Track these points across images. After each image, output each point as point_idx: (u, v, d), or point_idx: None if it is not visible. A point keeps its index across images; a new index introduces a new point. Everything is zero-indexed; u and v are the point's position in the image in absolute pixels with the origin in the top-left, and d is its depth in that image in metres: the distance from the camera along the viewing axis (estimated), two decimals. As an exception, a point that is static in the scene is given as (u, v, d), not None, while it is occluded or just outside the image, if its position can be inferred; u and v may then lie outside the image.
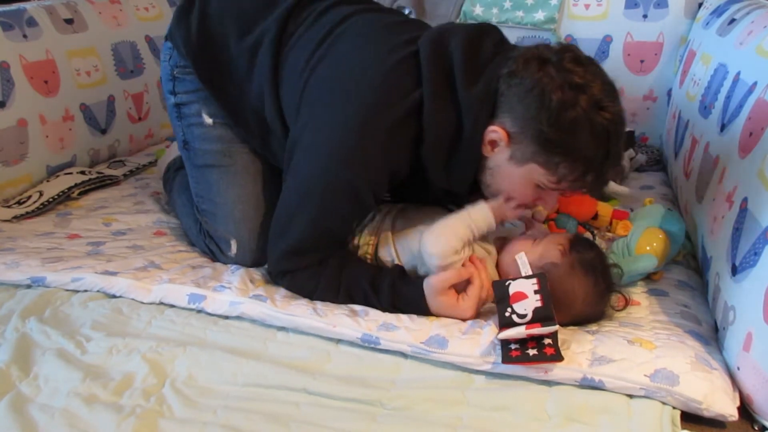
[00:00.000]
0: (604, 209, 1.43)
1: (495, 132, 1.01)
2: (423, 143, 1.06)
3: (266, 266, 1.25)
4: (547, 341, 0.95)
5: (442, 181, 1.12)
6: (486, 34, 1.09)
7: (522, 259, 1.06)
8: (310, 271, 1.14)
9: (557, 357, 0.92)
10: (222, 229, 1.29)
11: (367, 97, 1.05)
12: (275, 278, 1.19)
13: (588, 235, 1.38)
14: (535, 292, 0.98)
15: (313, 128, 1.10)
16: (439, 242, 1.06)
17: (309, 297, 1.14)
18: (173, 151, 1.66)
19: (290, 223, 1.13)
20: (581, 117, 0.94)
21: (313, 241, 1.13)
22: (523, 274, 1.03)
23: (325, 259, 1.14)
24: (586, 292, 1.04)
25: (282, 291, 1.16)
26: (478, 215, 1.08)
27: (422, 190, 1.21)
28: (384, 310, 1.09)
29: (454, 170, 1.09)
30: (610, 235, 1.38)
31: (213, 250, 1.31)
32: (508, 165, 1.03)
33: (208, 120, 1.30)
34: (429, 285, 1.07)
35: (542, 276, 1.00)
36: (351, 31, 1.14)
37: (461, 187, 1.13)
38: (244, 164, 1.30)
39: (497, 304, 1.00)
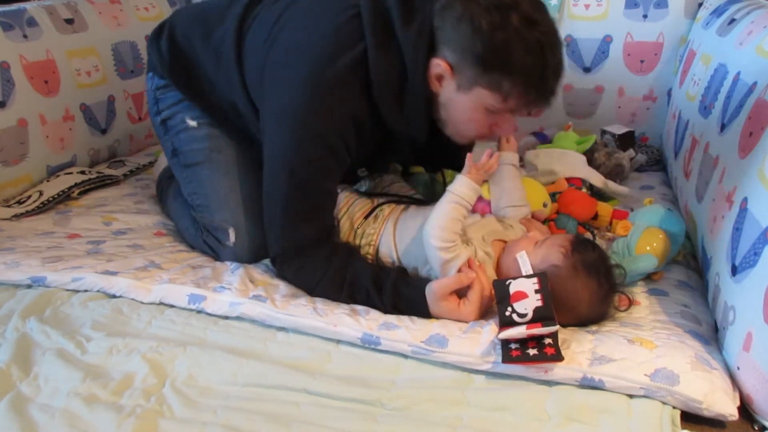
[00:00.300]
0: (604, 209, 1.43)
1: (438, 65, 1.08)
2: (373, 87, 1.11)
3: (267, 261, 1.27)
4: (548, 341, 0.95)
5: (402, 126, 1.16)
6: None
7: (523, 257, 1.07)
8: (315, 263, 1.16)
9: (557, 357, 0.92)
10: (218, 218, 1.31)
11: (316, 54, 1.12)
12: (281, 267, 1.21)
13: (588, 235, 1.38)
14: (536, 291, 0.98)
15: (274, 96, 1.16)
16: (438, 232, 1.08)
17: (311, 291, 1.16)
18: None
19: (276, 196, 1.16)
20: (513, 35, 1.00)
21: (302, 207, 1.16)
22: (524, 273, 1.03)
23: (327, 244, 1.18)
24: (590, 293, 1.04)
25: (282, 291, 1.16)
26: (460, 188, 1.11)
27: (394, 152, 1.29)
28: (385, 311, 1.10)
29: (408, 112, 1.14)
30: (610, 235, 1.38)
31: (212, 245, 1.32)
32: (457, 95, 1.09)
33: (192, 123, 1.38)
34: (431, 291, 1.08)
35: (543, 275, 1.00)
36: (301, 6, 1.22)
37: (420, 130, 1.17)
38: (232, 156, 1.35)
39: (497, 303, 1.00)
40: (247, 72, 1.24)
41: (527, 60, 1.01)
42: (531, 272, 1.03)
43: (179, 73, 1.35)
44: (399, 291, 1.11)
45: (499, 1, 1.01)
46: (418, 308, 1.08)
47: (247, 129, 1.32)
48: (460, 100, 1.09)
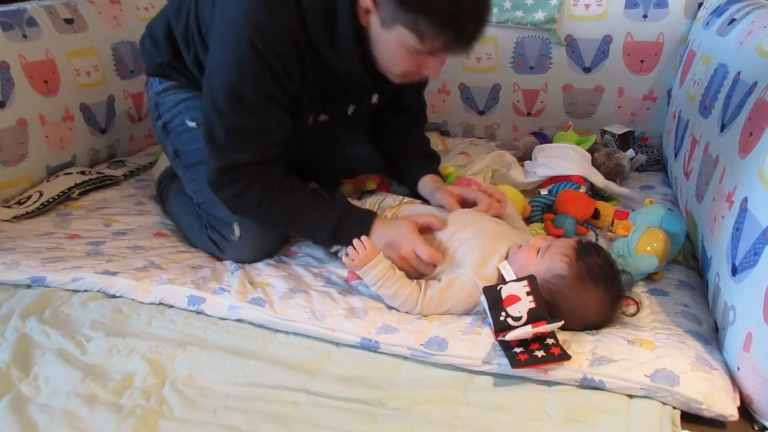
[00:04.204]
0: (607, 209, 1.43)
1: None
2: (306, 17, 1.12)
3: (267, 260, 1.29)
4: (551, 341, 0.95)
5: (335, 60, 1.17)
6: None
7: (505, 267, 1.08)
8: (256, 186, 1.20)
9: (565, 356, 0.93)
10: (223, 214, 1.31)
11: None
12: (220, 188, 1.23)
13: (590, 234, 1.38)
14: (528, 293, 0.98)
15: (218, 13, 1.19)
16: (404, 305, 1.10)
17: (250, 213, 1.24)
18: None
19: (215, 113, 1.17)
20: None
21: (242, 126, 1.17)
22: (507, 280, 1.04)
23: (269, 173, 1.22)
24: (597, 302, 1.03)
25: (279, 291, 1.16)
26: (368, 278, 1.11)
27: (345, 94, 1.30)
28: (329, 230, 1.20)
29: (340, 47, 1.15)
30: (610, 235, 1.38)
31: (216, 241, 1.32)
32: (382, 31, 1.09)
33: (192, 124, 1.39)
34: (405, 217, 1.20)
35: (532, 277, 1.00)
36: None
37: (352, 64, 1.17)
38: None
39: (490, 309, 1.00)
40: (203, 21, 1.26)
41: (442, 1, 1.01)
42: (515, 278, 1.04)
43: (164, 56, 1.39)
44: (346, 209, 1.21)
45: None
46: (359, 227, 1.18)
47: None
48: (385, 37, 1.09)
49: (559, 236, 1.33)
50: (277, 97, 1.17)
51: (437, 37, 1.04)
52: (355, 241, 1.12)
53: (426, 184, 1.38)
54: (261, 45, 1.10)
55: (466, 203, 1.28)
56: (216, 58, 1.17)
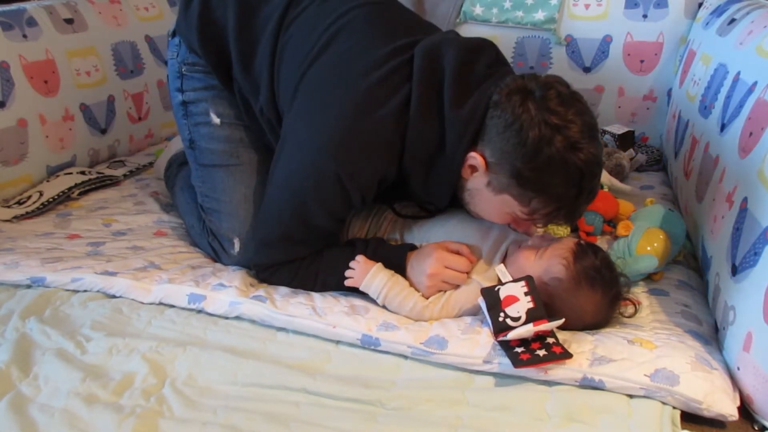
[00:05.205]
0: (627, 208, 1.43)
1: (474, 158, 1.03)
2: (405, 152, 1.08)
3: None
4: (551, 340, 0.96)
5: (422, 192, 1.15)
6: (481, 52, 1.11)
7: (501, 270, 1.08)
8: (292, 266, 1.17)
9: (566, 354, 0.93)
10: (226, 227, 1.29)
11: (358, 99, 1.07)
12: (258, 272, 1.21)
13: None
14: (526, 294, 0.99)
15: (304, 123, 1.12)
16: (412, 313, 1.09)
17: (288, 285, 1.18)
18: (171, 150, 1.67)
19: (277, 219, 1.15)
20: (555, 156, 0.96)
21: (299, 235, 1.15)
22: (504, 281, 1.04)
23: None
24: (594, 304, 1.03)
25: (282, 291, 1.16)
26: (370, 288, 1.10)
27: (406, 198, 1.25)
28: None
29: (432, 184, 1.12)
30: (609, 236, 1.38)
31: (216, 249, 1.31)
32: (486, 190, 1.06)
33: (216, 120, 1.31)
34: (433, 242, 1.14)
35: (529, 278, 1.00)
36: (352, 27, 1.15)
37: (439, 201, 1.16)
38: (249, 164, 1.32)
39: (489, 311, 1.00)
40: (279, 78, 1.19)
41: (563, 185, 0.98)
42: (511, 279, 1.04)
43: (210, 48, 1.26)
44: (376, 250, 1.14)
45: (551, 119, 0.96)
46: (394, 258, 1.13)
47: (264, 132, 1.28)
48: (487, 196, 1.06)
49: (588, 233, 1.36)
50: (344, 216, 1.17)
51: (548, 215, 1.03)
52: (350, 263, 1.12)
53: None
54: (348, 182, 1.07)
55: None
56: (292, 169, 1.11)
